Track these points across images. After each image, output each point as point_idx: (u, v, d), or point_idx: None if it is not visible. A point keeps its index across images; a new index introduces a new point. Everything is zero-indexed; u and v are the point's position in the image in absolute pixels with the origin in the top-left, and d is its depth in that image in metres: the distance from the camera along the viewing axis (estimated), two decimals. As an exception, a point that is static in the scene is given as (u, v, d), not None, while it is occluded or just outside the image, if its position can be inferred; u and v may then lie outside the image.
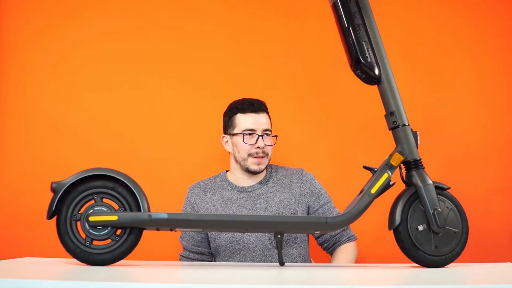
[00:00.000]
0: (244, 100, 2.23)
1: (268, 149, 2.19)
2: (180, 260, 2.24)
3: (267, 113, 2.24)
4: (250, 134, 2.17)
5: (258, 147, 2.16)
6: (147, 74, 2.65)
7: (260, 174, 2.24)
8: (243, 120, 2.19)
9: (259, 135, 2.16)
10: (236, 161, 2.22)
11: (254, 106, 2.20)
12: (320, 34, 2.62)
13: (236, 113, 2.22)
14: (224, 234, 2.13)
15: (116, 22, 2.66)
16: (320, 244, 2.26)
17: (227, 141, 2.25)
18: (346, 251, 2.19)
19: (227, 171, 2.31)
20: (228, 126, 2.25)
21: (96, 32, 2.65)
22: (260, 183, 2.23)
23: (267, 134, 2.19)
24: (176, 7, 2.68)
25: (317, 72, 2.64)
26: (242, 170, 2.21)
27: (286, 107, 2.51)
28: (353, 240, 2.23)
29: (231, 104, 2.26)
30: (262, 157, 2.17)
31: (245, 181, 2.23)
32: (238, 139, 2.18)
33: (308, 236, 2.25)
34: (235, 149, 2.21)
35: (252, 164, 2.17)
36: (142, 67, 2.65)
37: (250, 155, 2.17)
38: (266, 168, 2.27)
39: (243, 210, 2.16)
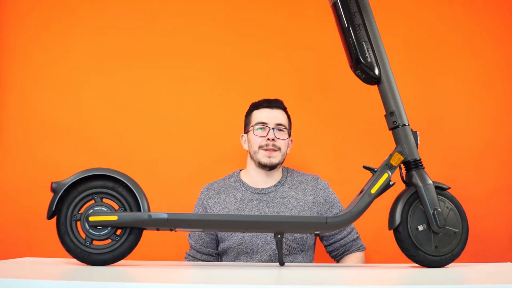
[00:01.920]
0: (262, 99, 2.26)
1: (281, 143, 2.17)
2: (185, 258, 2.23)
3: (285, 111, 2.25)
4: (262, 127, 2.18)
5: (268, 139, 2.15)
6: (148, 72, 2.65)
7: (275, 175, 2.22)
8: (257, 115, 2.21)
9: (270, 128, 2.16)
10: (251, 157, 2.21)
11: (270, 102, 2.22)
12: (321, 35, 2.62)
13: (252, 111, 2.25)
14: (234, 235, 2.12)
15: (117, 19, 2.66)
16: (329, 252, 2.26)
17: (245, 139, 2.26)
18: (355, 259, 2.19)
19: (240, 170, 2.30)
20: (245, 124, 2.27)
21: (96, 29, 2.65)
22: (275, 185, 2.21)
23: (280, 129, 2.18)
24: (178, 4, 2.68)
25: (318, 72, 2.65)
26: (257, 166, 2.19)
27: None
28: (362, 250, 2.23)
29: (251, 103, 2.28)
30: (274, 150, 2.16)
31: (260, 181, 2.21)
32: (251, 133, 2.20)
33: (314, 244, 2.24)
34: (249, 144, 2.22)
35: (262, 156, 2.16)
36: (142, 65, 2.64)
37: (260, 147, 2.17)
38: (281, 169, 2.26)
39: (256, 212, 2.15)
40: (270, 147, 2.15)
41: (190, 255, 2.21)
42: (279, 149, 2.17)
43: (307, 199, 2.18)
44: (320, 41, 2.63)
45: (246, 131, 2.25)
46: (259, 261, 2.10)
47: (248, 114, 2.26)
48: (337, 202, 2.23)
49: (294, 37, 2.66)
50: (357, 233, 2.24)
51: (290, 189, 2.20)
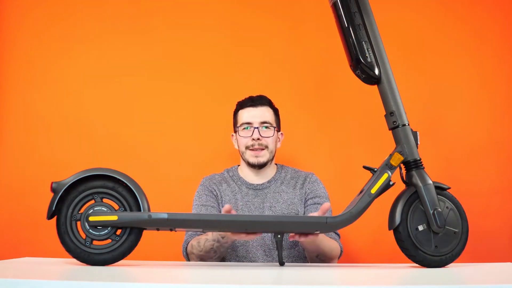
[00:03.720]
0: (247, 97, 2.26)
1: (267, 141, 2.18)
2: (190, 237, 2.11)
3: (270, 107, 2.24)
4: (246, 127, 2.18)
5: (253, 139, 2.16)
6: (147, 73, 2.65)
7: (269, 172, 2.24)
8: (242, 115, 2.22)
9: (255, 127, 2.17)
10: (241, 157, 2.23)
11: (254, 100, 2.22)
12: (321, 35, 2.62)
13: (238, 110, 2.25)
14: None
15: (116, 21, 2.66)
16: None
17: (235, 139, 2.27)
18: (330, 240, 2.08)
19: (238, 165, 2.31)
20: (233, 124, 2.28)
21: (96, 31, 2.65)
22: (269, 181, 2.23)
23: (266, 127, 2.18)
24: (178, 7, 2.68)
25: (318, 72, 2.65)
26: (248, 166, 2.21)
27: (287, 107, 2.51)
28: (339, 246, 2.12)
29: (237, 102, 2.28)
30: (261, 149, 2.17)
31: (254, 178, 2.24)
32: (238, 134, 2.21)
33: None
34: (238, 144, 2.24)
35: (250, 157, 2.18)
36: (142, 66, 2.65)
37: (247, 147, 2.18)
38: (275, 166, 2.27)
39: (251, 206, 2.17)
40: (256, 146, 2.17)
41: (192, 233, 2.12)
42: (266, 147, 2.18)
43: (297, 192, 2.21)
44: (319, 40, 2.63)
45: (235, 131, 2.26)
46: (255, 256, 2.12)
47: (235, 114, 2.27)
48: (324, 196, 2.20)
49: (293, 36, 2.66)
50: (338, 234, 2.18)
51: (282, 184, 2.23)
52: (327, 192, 2.25)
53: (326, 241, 2.05)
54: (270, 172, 2.25)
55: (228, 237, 1.89)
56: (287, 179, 2.25)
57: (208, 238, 1.96)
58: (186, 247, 2.09)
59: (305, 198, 2.21)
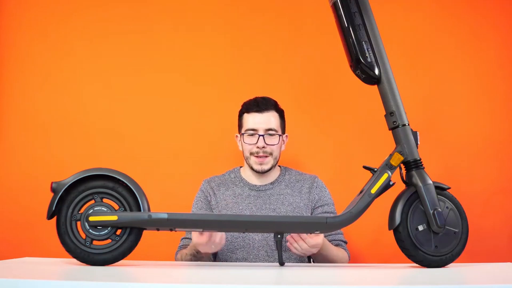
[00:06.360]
0: (253, 99, 2.23)
1: (272, 149, 2.17)
2: (180, 241, 2.18)
3: (277, 111, 2.22)
4: (251, 134, 2.17)
5: (258, 147, 2.16)
6: (147, 73, 2.65)
7: (272, 174, 2.24)
8: (247, 120, 2.20)
9: (259, 135, 2.16)
10: (245, 161, 2.23)
11: (259, 105, 2.19)
12: (321, 35, 2.62)
13: (243, 113, 2.23)
14: None
15: (117, 21, 2.66)
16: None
17: (239, 139, 2.26)
18: (340, 251, 2.15)
19: (241, 167, 2.31)
20: (239, 125, 2.27)
21: (96, 31, 2.66)
22: (272, 183, 2.23)
23: (271, 134, 2.17)
24: (179, 7, 2.68)
25: (318, 72, 2.65)
26: (251, 170, 2.21)
27: (287, 107, 2.51)
28: (347, 254, 2.17)
29: (243, 103, 2.26)
30: (265, 156, 2.17)
31: (257, 179, 2.24)
32: (242, 138, 2.20)
33: None
34: (242, 148, 2.23)
35: (254, 163, 2.19)
36: (142, 66, 2.65)
37: (252, 154, 2.18)
38: (279, 167, 2.28)
39: (253, 208, 2.17)
40: (261, 154, 2.17)
41: (186, 238, 2.17)
42: (271, 154, 2.18)
43: (303, 197, 2.20)
44: (320, 40, 2.63)
45: (240, 132, 2.25)
46: (256, 257, 2.11)
47: (240, 115, 2.25)
48: (331, 203, 2.23)
49: (293, 36, 2.66)
50: (345, 241, 2.21)
51: (286, 187, 2.23)
52: (331, 197, 2.26)
53: (334, 250, 2.07)
54: (273, 174, 2.25)
55: (201, 251, 1.91)
56: (292, 182, 2.24)
57: (187, 253, 2.02)
58: (176, 257, 2.15)
59: (314, 205, 2.21)
